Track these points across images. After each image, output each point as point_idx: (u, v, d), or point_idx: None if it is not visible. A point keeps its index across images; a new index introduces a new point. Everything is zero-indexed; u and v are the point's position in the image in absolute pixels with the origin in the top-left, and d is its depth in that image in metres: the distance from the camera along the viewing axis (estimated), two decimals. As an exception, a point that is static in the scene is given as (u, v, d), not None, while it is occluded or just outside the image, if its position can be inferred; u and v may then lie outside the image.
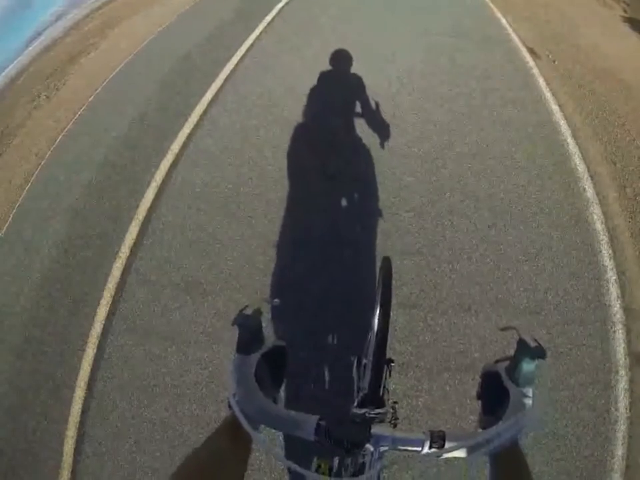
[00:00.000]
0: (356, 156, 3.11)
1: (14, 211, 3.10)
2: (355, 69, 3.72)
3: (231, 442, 0.65)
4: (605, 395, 2.19)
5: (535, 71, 3.79)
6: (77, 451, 2.18)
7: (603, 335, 2.35)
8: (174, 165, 3.16)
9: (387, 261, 1.62)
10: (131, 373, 2.34)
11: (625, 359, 2.29)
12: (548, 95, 3.57)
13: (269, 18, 4.44)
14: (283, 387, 0.79)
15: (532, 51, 4.00)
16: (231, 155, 3.19)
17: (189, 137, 3.34)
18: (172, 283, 2.60)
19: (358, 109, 3.41)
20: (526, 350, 0.66)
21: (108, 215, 2.96)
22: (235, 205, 2.90)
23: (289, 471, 1.85)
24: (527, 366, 0.66)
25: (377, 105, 3.40)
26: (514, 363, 0.68)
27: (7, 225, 3.02)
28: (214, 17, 4.58)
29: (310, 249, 2.65)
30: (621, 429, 2.11)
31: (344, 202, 2.88)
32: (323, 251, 2.64)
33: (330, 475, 0.89)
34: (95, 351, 2.42)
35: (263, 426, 0.68)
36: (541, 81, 3.69)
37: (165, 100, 3.67)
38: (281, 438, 1.91)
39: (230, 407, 0.64)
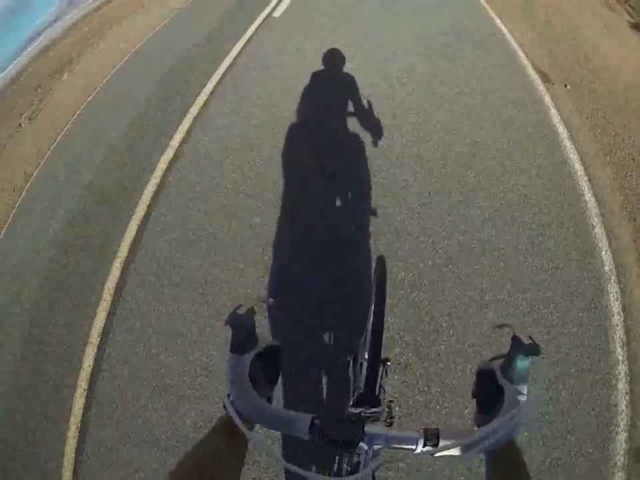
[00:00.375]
0: (355, 156, 3.11)
1: (14, 210, 3.11)
2: (355, 68, 3.73)
3: (227, 441, 0.65)
4: (605, 395, 2.19)
5: (534, 75, 3.78)
6: (78, 451, 2.18)
7: (602, 334, 2.35)
8: (174, 164, 3.17)
9: (381, 261, 1.61)
10: (131, 373, 2.34)
11: (624, 356, 2.30)
12: (547, 97, 3.56)
13: (266, 16, 4.48)
14: (278, 386, 0.79)
15: (528, 54, 4.00)
16: (230, 154, 3.19)
17: (188, 133, 3.37)
18: (172, 283, 2.60)
19: (357, 109, 3.41)
20: (520, 347, 0.66)
21: (107, 214, 2.97)
22: (235, 204, 2.91)
23: (286, 470, 1.84)
24: (521, 363, 0.66)
25: (377, 105, 3.40)
26: (508, 361, 0.68)
27: (6, 225, 3.03)
28: (212, 14, 4.61)
29: (309, 249, 2.65)
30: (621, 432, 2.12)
31: (343, 202, 2.89)
32: (322, 251, 2.64)
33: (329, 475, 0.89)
34: (95, 350, 2.43)
35: (258, 426, 0.68)
36: (541, 84, 3.68)
37: (164, 98, 3.69)
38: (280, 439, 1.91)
39: (225, 407, 0.65)
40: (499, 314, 2.40)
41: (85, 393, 2.31)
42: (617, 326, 2.37)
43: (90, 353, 2.42)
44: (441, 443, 0.63)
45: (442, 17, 4.39)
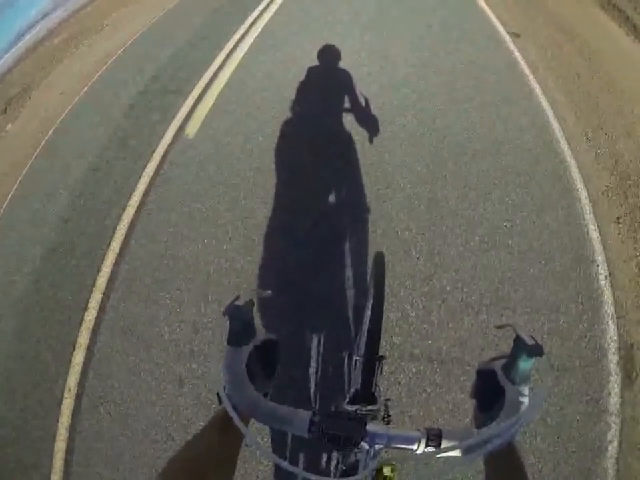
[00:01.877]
0: (355, 154, 3.09)
1: (4, 205, 3.07)
2: (354, 67, 3.72)
3: (221, 437, 0.63)
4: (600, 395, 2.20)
5: (531, 77, 3.79)
6: (68, 449, 2.15)
7: (599, 334, 2.35)
8: (166, 160, 3.16)
9: (379, 257, 1.58)
10: (127, 371, 2.32)
11: (619, 355, 2.31)
12: (542, 97, 3.57)
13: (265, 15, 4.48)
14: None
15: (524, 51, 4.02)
16: (229, 155, 3.16)
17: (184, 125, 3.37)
18: (167, 281, 2.57)
19: (357, 107, 3.40)
20: (523, 348, 0.64)
21: (102, 211, 2.94)
22: (234, 204, 2.88)
23: (276, 469, 1.83)
24: (524, 364, 0.64)
25: (376, 104, 3.39)
26: (510, 361, 0.66)
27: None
28: (209, 6, 4.65)
29: (309, 248, 2.63)
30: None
31: (344, 201, 2.87)
32: (321, 249, 2.62)
33: None
34: (84, 352, 2.40)
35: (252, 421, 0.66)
36: (538, 86, 3.69)
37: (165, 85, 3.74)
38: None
39: (220, 401, 0.62)
40: (499, 313, 2.40)
41: (74, 399, 2.27)
42: (613, 331, 2.39)
43: (80, 353, 2.40)
44: (443, 444, 0.61)
45: (443, 17, 4.38)
